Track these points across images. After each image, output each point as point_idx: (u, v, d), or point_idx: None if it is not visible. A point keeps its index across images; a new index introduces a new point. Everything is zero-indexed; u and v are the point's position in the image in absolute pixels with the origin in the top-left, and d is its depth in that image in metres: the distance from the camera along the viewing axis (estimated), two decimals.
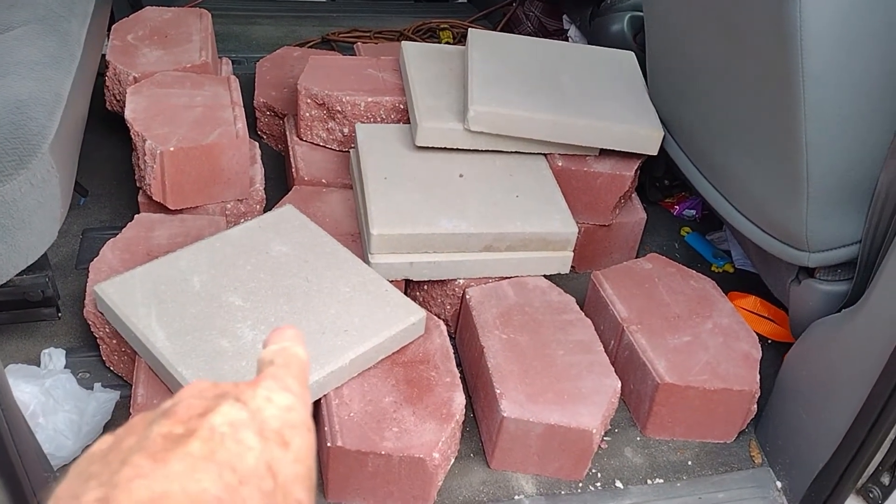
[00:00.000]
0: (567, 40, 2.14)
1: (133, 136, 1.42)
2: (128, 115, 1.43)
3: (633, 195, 1.65)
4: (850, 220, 1.11)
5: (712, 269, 1.72)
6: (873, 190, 1.06)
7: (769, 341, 1.51)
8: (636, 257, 1.65)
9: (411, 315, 1.21)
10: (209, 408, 0.34)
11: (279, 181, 1.71)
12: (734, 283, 1.64)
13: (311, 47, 2.21)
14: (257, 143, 1.62)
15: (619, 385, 1.22)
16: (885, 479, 1.05)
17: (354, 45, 2.05)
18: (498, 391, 1.18)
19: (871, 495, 1.07)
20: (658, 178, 1.82)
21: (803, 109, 1.02)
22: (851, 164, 1.07)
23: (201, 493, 0.29)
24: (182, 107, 1.47)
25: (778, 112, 1.09)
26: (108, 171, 1.72)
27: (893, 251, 1.00)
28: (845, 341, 1.10)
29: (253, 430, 0.33)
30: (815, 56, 0.98)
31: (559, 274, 1.43)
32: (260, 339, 1.14)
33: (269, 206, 1.53)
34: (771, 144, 1.15)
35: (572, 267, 1.47)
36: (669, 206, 1.86)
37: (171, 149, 1.37)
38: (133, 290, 1.19)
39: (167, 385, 1.12)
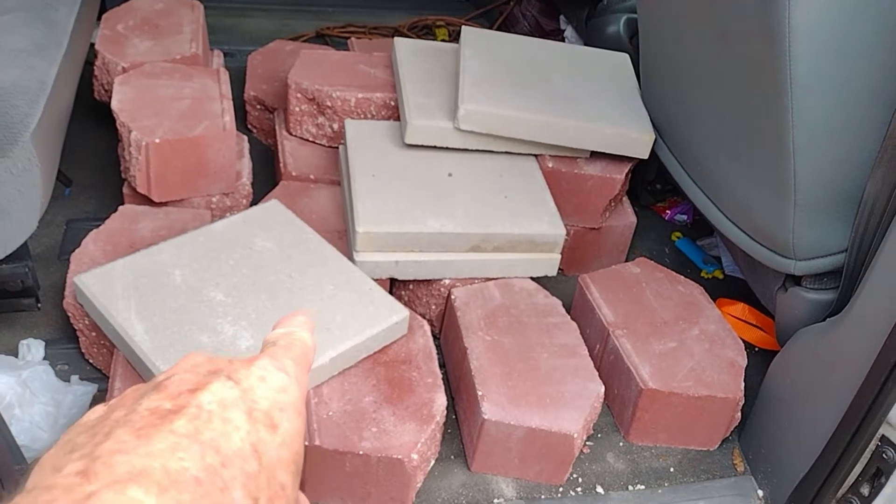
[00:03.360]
0: (563, 41, 2.13)
1: (119, 127, 1.40)
2: (114, 105, 1.42)
3: (623, 199, 1.64)
4: (837, 229, 1.10)
5: (702, 274, 1.71)
6: (860, 199, 1.06)
7: (756, 349, 1.50)
8: (626, 261, 1.64)
9: (394, 314, 1.20)
10: (200, 384, 0.34)
11: (267, 176, 1.69)
12: (723, 289, 1.63)
13: (304, 41, 2.20)
14: (246, 137, 1.61)
15: (603, 389, 1.21)
16: (865, 490, 1.05)
17: (348, 41, 2.03)
18: (480, 393, 1.17)
19: None
20: (650, 183, 1.81)
21: (791, 116, 1.02)
22: (839, 173, 1.07)
23: (181, 472, 0.29)
24: (170, 98, 1.46)
25: (766, 118, 1.08)
26: (94, 162, 1.71)
27: (877, 261, 0.99)
28: (828, 350, 1.09)
29: (242, 410, 0.33)
30: (803, 62, 0.97)
31: (547, 276, 1.42)
32: (240, 334, 1.13)
33: (255, 200, 1.52)
34: (759, 151, 1.15)
35: (560, 270, 1.46)
36: (661, 210, 1.85)
37: (157, 140, 1.35)
38: (113, 282, 1.17)
39: (144, 379, 1.11)
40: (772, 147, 1.09)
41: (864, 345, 1.00)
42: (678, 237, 1.79)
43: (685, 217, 1.83)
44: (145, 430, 0.31)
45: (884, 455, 1.00)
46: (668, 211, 1.84)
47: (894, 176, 1.00)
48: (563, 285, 1.54)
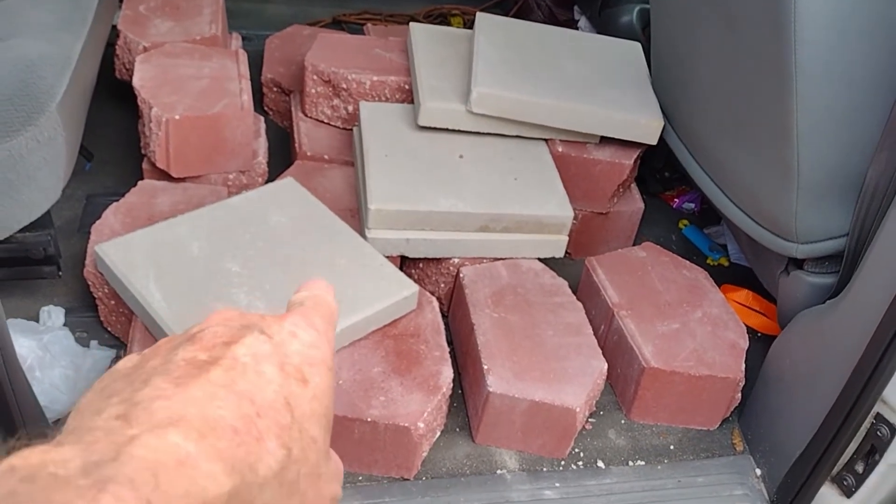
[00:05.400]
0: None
1: (140, 104, 1.44)
2: (135, 82, 1.46)
3: (632, 185, 1.67)
4: (839, 213, 1.13)
5: (708, 262, 1.73)
6: (862, 183, 1.08)
7: (759, 335, 1.52)
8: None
9: (404, 289, 1.23)
10: (234, 337, 0.34)
11: (282, 156, 1.73)
12: (728, 276, 1.66)
13: (321, 27, 2.23)
14: (262, 118, 1.64)
15: (606, 367, 1.24)
16: (860, 468, 1.07)
17: (364, 27, 2.06)
18: (485, 366, 1.21)
19: (845, 483, 1.09)
20: (658, 170, 1.83)
21: (795, 101, 1.04)
22: (841, 157, 1.09)
23: (219, 420, 0.30)
24: (189, 77, 1.49)
25: (771, 103, 1.10)
26: (115, 139, 1.75)
27: (875, 244, 1.02)
28: (827, 331, 1.12)
29: (274, 364, 0.34)
30: (808, 48, 1.00)
31: (555, 260, 1.45)
32: (255, 304, 1.16)
33: (270, 179, 1.55)
34: (764, 136, 1.17)
35: (568, 253, 1.49)
36: (669, 198, 1.87)
37: (177, 117, 1.39)
38: (133, 252, 1.21)
39: None
40: (776, 132, 1.11)
41: (861, 325, 1.03)
42: (685, 225, 1.82)
43: (693, 205, 1.85)
44: (183, 379, 0.31)
45: (878, 433, 1.03)
46: (675, 199, 1.86)
47: None
48: (569, 269, 1.56)
